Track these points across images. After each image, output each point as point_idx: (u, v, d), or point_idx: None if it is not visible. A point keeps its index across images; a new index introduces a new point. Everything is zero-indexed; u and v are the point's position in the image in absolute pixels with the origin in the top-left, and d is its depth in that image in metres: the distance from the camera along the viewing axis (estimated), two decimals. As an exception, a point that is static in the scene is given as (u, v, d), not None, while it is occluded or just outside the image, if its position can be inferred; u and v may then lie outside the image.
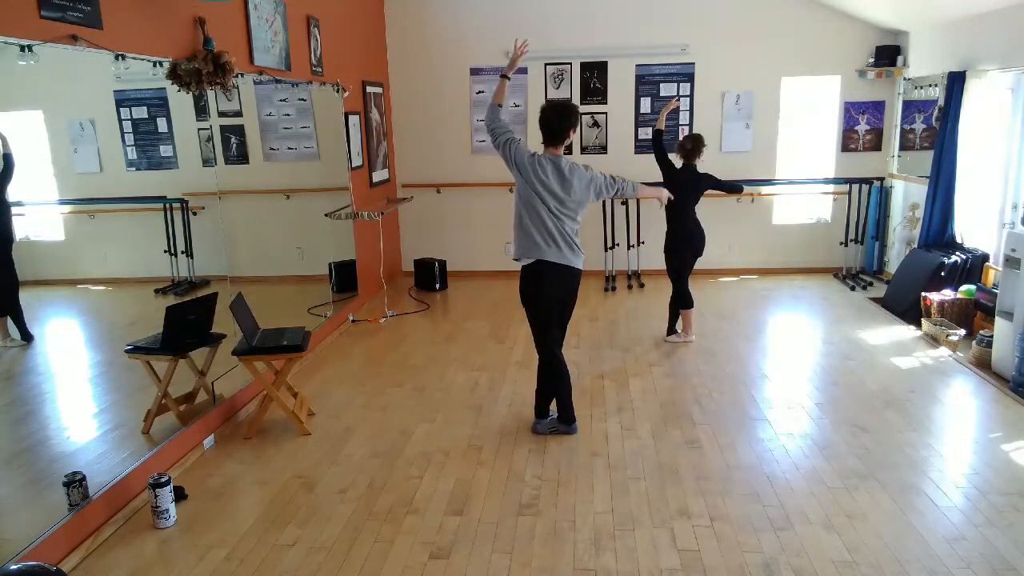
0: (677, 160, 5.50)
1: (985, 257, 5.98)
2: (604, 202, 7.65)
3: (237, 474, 3.84)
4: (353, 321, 6.53)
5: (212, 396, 4.29)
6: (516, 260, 4.02)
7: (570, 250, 3.94)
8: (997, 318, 4.88)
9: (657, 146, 5.46)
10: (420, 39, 7.78)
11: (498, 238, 8.06)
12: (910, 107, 7.24)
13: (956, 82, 6.11)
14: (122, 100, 3.70)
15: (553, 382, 4.11)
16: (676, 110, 7.64)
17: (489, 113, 4.01)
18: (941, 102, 6.38)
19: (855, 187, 7.54)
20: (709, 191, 5.48)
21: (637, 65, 7.67)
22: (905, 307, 6.21)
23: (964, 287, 5.81)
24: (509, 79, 4.08)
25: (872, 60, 7.38)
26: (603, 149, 7.87)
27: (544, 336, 4.06)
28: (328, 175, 6.27)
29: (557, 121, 3.86)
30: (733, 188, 5.64)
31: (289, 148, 5.65)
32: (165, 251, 4.07)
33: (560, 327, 4.15)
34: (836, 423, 4.23)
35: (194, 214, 4.27)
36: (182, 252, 4.17)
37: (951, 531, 3.15)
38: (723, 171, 7.43)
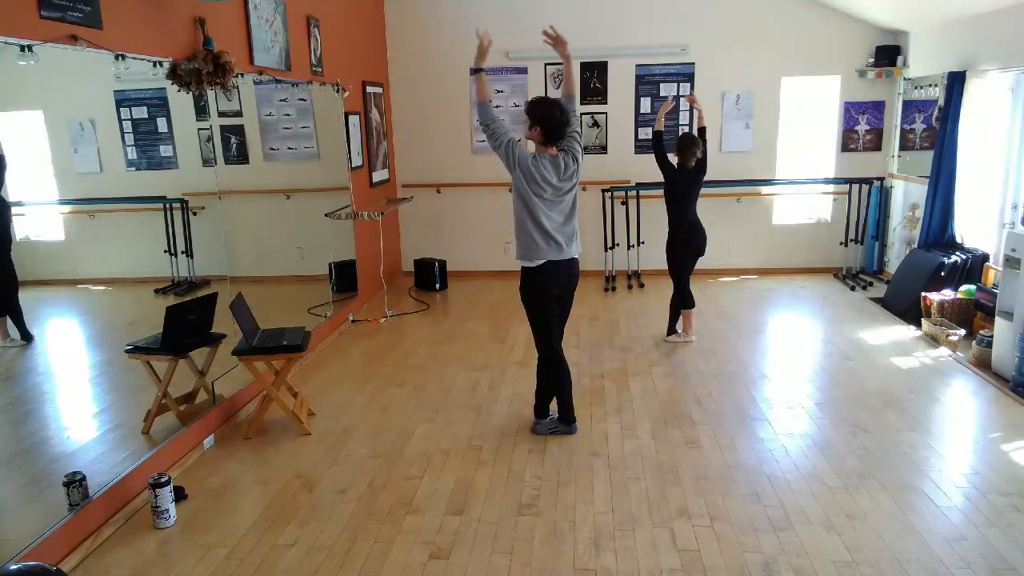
0: (674, 159, 5.50)
1: (985, 257, 5.97)
2: (604, 202, 7.66)
3: (237, 474, 3.84)
4: (353, 321, 6.53)
5: (212, 396, 4.29)
6: (519, 260, 4.00)
7: (568, 243, 3.95)
8: (997, 318, 4.88)
9: (657, 147, 5.45)
10: (420, 39, 7.77)
11: (498, 238, 8.06)
12: (910, 107, 7.24)
13: (956, 82, 6.11)
14: (122, 100, 3.70)
15: (554, 380, 4.11)
16: (676, 109, 7.64)
17: (482, 112, 3.91)
18: (941, 102, 6.38)
19: (855, 187, 7.54)
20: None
21: (637, 65, 7.67)
22: (905, 307, 6.20)
23: (964, 287, 5.81)
24: (485, 71, 4.06)
25: (872, 60, 7.38)
26: (603, 149, 7.87)
27: (546, 334, 4.06)
28: (328, 175, 6.27)
29: (564, 120, 3.88)
30: (700, 133, 5.47)
31: (289, 148, 5.65)
32: (165, 251, 4.07)
33: (560, 323, 4.16)
34: (836, 423, 4.23)
35: (194, 214, 4.27)
36: (182, 252, 4.17)
37: (951, 531, 3.15)
38: (723, 171, 7.53)
